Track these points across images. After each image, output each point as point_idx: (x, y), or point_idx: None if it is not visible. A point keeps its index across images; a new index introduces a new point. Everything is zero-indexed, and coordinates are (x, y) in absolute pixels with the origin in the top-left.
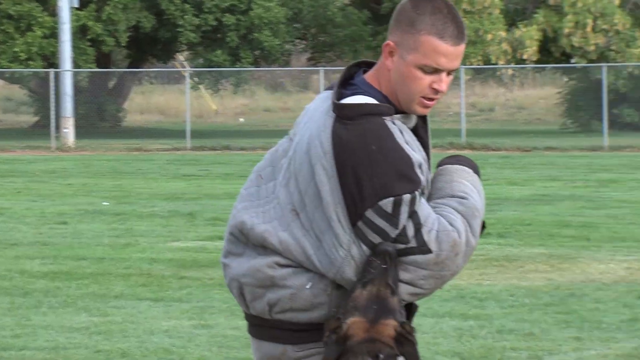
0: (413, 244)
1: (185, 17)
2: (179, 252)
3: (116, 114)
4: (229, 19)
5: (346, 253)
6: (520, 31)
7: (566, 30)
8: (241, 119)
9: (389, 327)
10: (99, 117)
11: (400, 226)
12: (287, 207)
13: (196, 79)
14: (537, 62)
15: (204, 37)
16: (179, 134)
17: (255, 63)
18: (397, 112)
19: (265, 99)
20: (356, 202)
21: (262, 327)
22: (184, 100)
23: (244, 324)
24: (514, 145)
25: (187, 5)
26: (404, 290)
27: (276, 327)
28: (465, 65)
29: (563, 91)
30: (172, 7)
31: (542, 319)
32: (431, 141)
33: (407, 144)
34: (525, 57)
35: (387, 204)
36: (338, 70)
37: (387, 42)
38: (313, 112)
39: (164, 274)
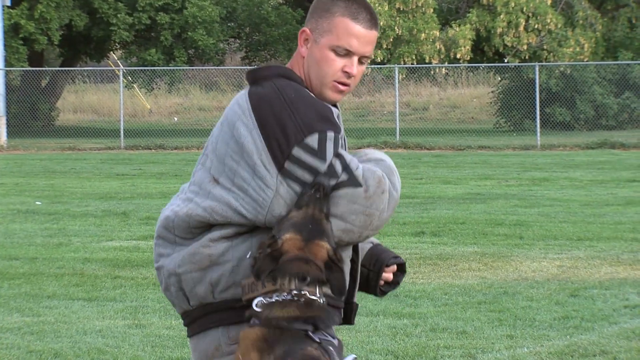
0: (344, 177)
1: (119, 15)
2: (113, 252)
3: (49, 113)
4: (162, 17)
5: (274, 192)
6: (453, 30)
7: (499, 30)
8: (175, 118)
9: (323, 249)
10: (32, 116)
11: (328, 160)
12: (205, 180)
13: (130, 78)
14: (470, 61)
15: (137, 36)
16: (113, 133)
17: (190, 62)
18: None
19: (199, 98)
20: (281, 145)
21: (203, 318)
22: (117, 99)
23: (177, 323)
24: (448, 144)
25: (120, 4)
26: (336, 225)
27: (220, 310)
28: (399, 64)
29: (496, 90)
30: (105, 5)
31: (476, 317)
32: (365, 140)
33: None
34: (458, 56)
35: (312, 140)
36: None
37: (302, 29)
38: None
39: (98, 273)
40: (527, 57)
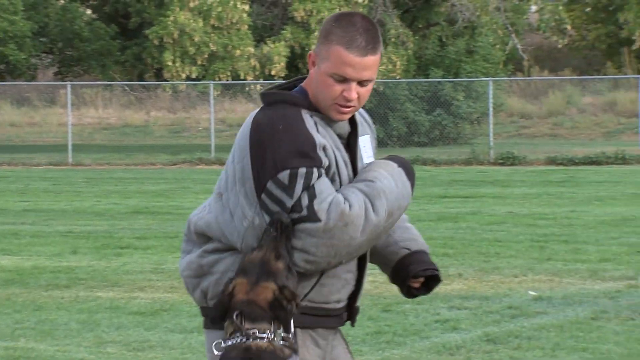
0: (305, 213)
1: None
2: None
3: None
4: None
5: (249, 223)
6: (268, 47)
7: (313, 47)
8: None
9: (268, 290)
10: None
11: (296, 197)
12: (215, 192)
13: None
14: (285, 77)
15: None
16: None
17: (0, 77)
18: (318, 112)
19: (10, 113)
20: (259, 175)
21: (205, 317)
22: None
23: None
24: None
25: None
26: (299, 257)
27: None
28: (214, 80)
29: None
30: None
31: None
32: (180, 157)
33: (319, 132)
34: (273, 72)
35: (284, 176)
36: (86, 84)
37: (310, 52)
38: None
39: None
40: None
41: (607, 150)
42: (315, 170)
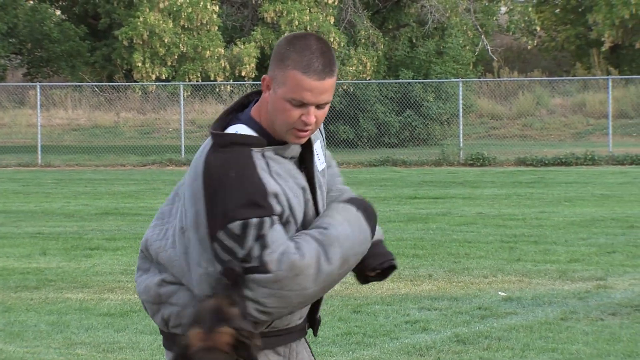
0: (255, 263)
1: None
2: None
3: None
4: None
5: (203, 271)
6: (238, 48)
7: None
8: None
9: (225, 334)
10: None
11: (247, 247)
12: (178, 224)
13: None
14: (255, 79)
15: None
16: None
17: None
18: (275, 143)
19: None
20: (211, 224)
21: (165, 340)
22: None
23: None
24: None
25: None
26: (252, 307)
27: (173, 341)
28: (184, 81)
29: None
30: None
31: None
32: (150, 157)
33: (273, 175)
34: (243, 74)
35: (235, 226)
36: (55, 85)
37: (264, 76)
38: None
39: None
40: None
41: (577, 151)
42: (267, 219)
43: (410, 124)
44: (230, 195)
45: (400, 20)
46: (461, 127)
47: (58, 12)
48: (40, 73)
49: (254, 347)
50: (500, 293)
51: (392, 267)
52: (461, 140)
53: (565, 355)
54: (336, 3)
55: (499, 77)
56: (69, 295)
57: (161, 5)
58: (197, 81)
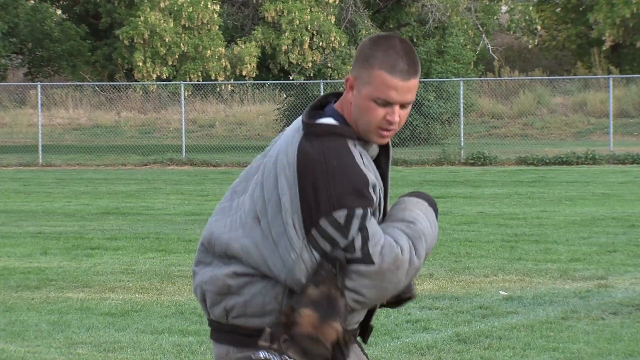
0: (359, 255)
1: None
2: None
3: None
4: None
5: (297, 256)
6: (239, 47)
7: (284, 47)
8: None
9: (334, 331)
10: None
11: (350, 237)
12: (250, 214)
13: None
14: (256, 78)
15: None
16: None
17: None
18: (358, 139)
19: None
20: (312, 211)
21: (219, 332)
22: None
23: None
24: (234, 161)
25: None
26: (349, 297)
27: (230, 332)
28: (185, 81)
29: (282, 107)
30: None
31: None
32: (151, 157)
33: (364, 166)
34: (244, 73)
35: (340, 215)
36: (56, 85)
37: (347, 77)
38: (286, 132)
39: None
40: (312, 75)
41: (577, 150)
42: (369, 210)
43: (411, 123)
44: (334, 184)
45: (401, 19)
46: (462, 126)
47: (59, 12)
48: (41, 73)
49: (347, 354)
50: (501, 292)
51: (409, 298)
52: (462, 139)
53: (566, 355)
54: (337, 2)
55: (499, 77)
56: (69, 294)
57: (162, 5)
58: (198, 80)
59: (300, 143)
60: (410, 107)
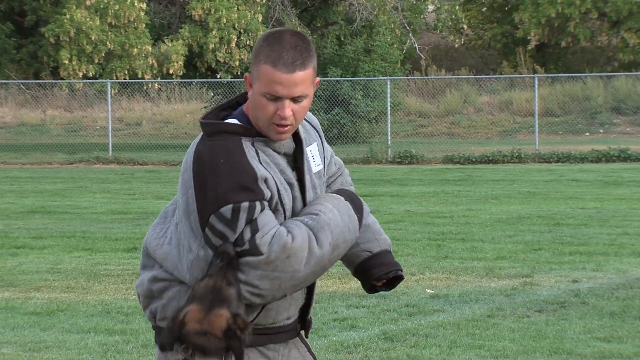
0: (247, 246)
1: None
2: None
3: None
4: None
5: (194, 256)
6: (166, 46)
7: (211, 46)
8: None
9: (222, 318)
10: None
11: (239, 231)
12: (175, 220)
13: None
14: (183, 76)
15: None
16: None
17: None
18: (261, 137)
19: None
20: (203, 210)
21: (155, 334)
22: None
23: None
24: (161, 160)
25: None
26: (244, 289)
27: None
28: (111, 79)
29: (209, 106)
30: None
31: None
32: (77, 155)
33: (262, 163)
34: (171, 71)
35: (226, 210)
36: None
37: (245, 74)
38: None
39: None
40: (239, 73)
41: (503, 149)
42: (257, 203)
43: (339, 121)
44: (220, 181)
45: (328, 18)
46: (389, 125)
47: None
48: None
49: (245, 340)
50: (427, 290)
51: (399, 277)
52: (389, 138)
53: (492, 352)
54: (264, 1)
55: (426, 75)
56: None
57: (88, 3)
58: (124, 79)
59: (197, 145)
60: (307, 101)
